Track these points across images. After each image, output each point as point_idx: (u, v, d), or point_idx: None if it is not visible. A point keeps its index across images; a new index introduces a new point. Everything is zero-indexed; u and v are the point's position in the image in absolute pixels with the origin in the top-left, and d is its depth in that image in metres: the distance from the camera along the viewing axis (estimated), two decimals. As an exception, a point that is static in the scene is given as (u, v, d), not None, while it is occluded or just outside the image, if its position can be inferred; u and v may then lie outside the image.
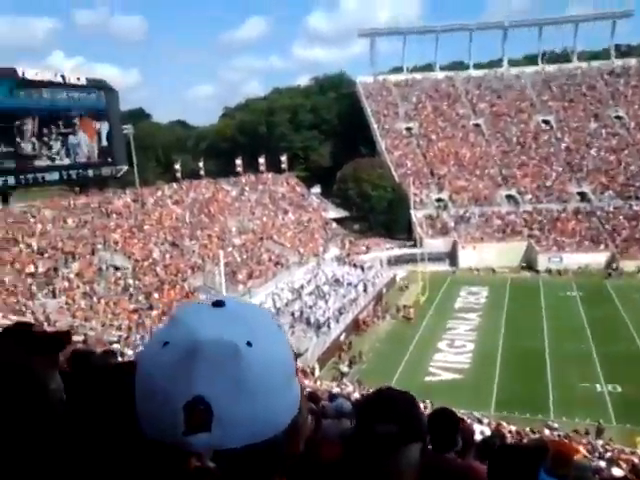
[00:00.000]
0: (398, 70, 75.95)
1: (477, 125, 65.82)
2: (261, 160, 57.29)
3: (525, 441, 10.93)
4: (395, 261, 48.20)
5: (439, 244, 49.47)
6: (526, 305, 37.29)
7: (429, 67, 74.96)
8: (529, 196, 55.08)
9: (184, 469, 0.64)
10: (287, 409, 0.71)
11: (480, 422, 19.46)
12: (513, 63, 75.54)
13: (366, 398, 1.54)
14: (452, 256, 49.38)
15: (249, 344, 0.67)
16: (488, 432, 12.24)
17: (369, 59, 74.68)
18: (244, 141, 75.95)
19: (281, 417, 0.70)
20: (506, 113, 66.35)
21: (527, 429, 18.20)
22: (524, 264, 47.56)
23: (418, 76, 73.52)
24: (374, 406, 1.38)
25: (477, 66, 74.15)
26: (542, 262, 46.38)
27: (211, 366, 0.66)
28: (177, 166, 53.24)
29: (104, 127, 42.34)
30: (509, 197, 55.83)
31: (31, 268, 27.60)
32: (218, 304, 0.74)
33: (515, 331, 32.61)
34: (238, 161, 55.84)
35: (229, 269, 33.43)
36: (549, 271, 45.45)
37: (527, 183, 56.57)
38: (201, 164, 54.68)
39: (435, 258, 46.47)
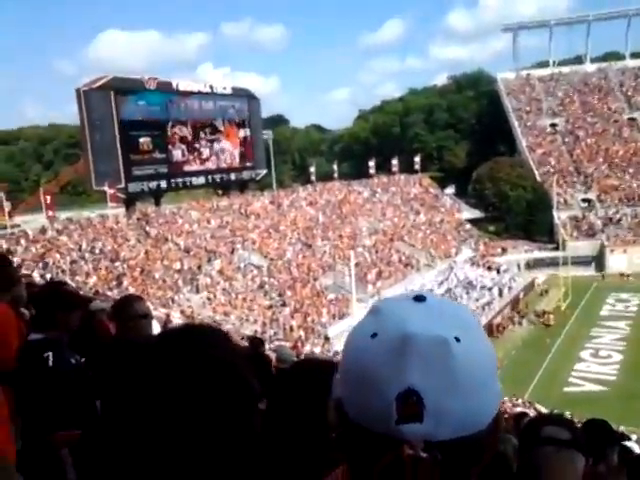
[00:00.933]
0: (543, 64, 71.89)
1: (632, 119, 60.29)
2: (394, 161, 57.26)
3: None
4: (534, 264, 45.64)
5: (584, 247, 45.98)
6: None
7: (578, 60, 70.00)
8: (691, 195, 49.35)
9: (397, 457, 0.66)
10: (492, 404, 0.71)
11: (628, 439, 17.82)
12: (677, 50, 68.24)
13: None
14: (599, 260, 45.66)
15: (457, 339, 0.68)
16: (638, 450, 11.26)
17: (511, 55, 71.55)
18: (378, 143, 76.44)
19: (487, 412, 0.70)
20: (667, 105, 60.06)
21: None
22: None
23: (565, 69, 69.04)
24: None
25: (634, 55, 67.85)
26: None
27: (422, 359, 0.67)
28: (312, 169, 54.93)
29: (246, 133, 45.00)
30: (668, 196, 50.43)
31: (178, 265, 30.06)
32: (419, 299, 0.74)
33: (671, 344, 29.45)
34: (371, 163, 56.29)
35: (359, 269, 33.82)
36: None
37: (688, 181, 50.71)
38: (335, 166, 55.89)
39: (579, 262, 43.30)
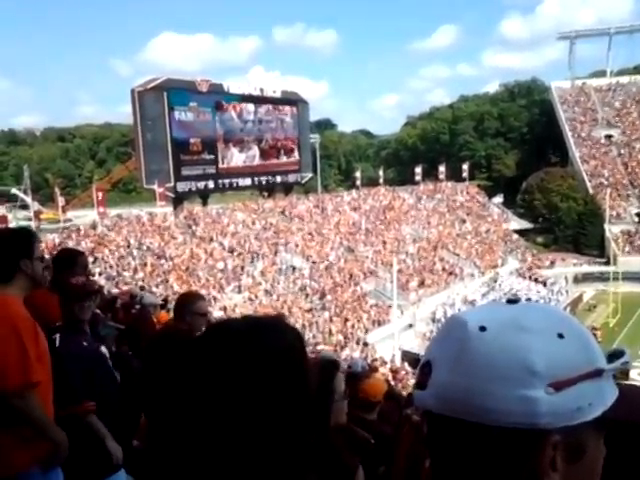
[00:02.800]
0: (600, 74, 69.87)
1: (693, 131, 57.95)
2: (441, 168, 56.59)
3: None
4: (583, 278, 44.28)
5: (636, 262, 44.35)
6: None
7: (637, 69, 67.73)
8: None
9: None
10: (502, 405, 0.66)
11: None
12: None
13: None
14: (652, 277, 44.02)
15: (483, 328, 0.69)
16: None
17: (567, 63, 69.74)
18: (425, 149, 75.90)
19: (491, 407, 0.67)
20: None
21: None
22: None
23: (623, 79, 66.90)
24: None
25: (700, 64, 65.35)
26: None
27: (443, 335, 0.74)
28: (357, 173, 54.86)
29: (294, 136, 45.36)
30: None
31: (221, 264, 30.52)
32: (512, 301, 0.75)
33: None
34: (418, 169, 55.76)
35: (401, 276, 33.57)
36: None
37: None
38: (381, 172, 55.69)
39: (631, 278, 41.72)
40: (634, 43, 66.92)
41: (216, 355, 0.87)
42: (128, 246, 28.87)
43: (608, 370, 0.70)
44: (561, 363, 0.67)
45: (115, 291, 16.17)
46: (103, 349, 3.39)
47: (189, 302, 3.54)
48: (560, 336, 0.69)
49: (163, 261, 28.57)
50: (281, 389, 0.86)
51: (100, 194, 34.26)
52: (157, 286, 25.19)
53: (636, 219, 50.10)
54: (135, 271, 26.57)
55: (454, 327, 0.73)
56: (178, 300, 3.74)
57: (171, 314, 5.88)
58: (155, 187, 33.92)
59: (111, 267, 26.22)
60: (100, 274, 24.00)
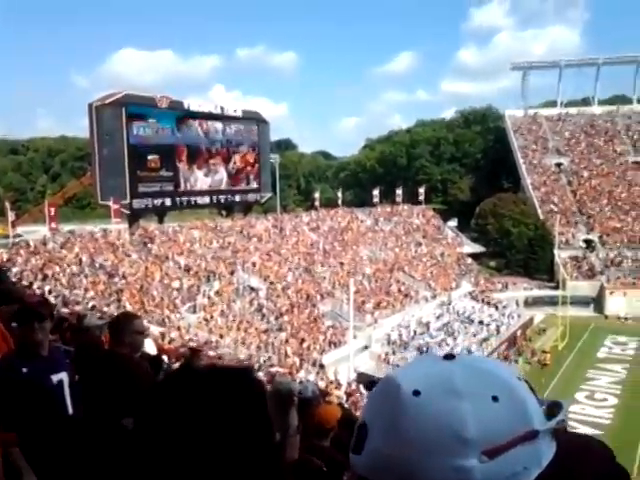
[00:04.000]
0: (551, 104, 72.81)
1: (637, 162, 60.81)
2: (398, 191, 57.52)
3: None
4: (533, 302, 45.53)
5: (584, 287, 45.95)
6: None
7: (586, 101, 70.83)
8: (695, 242, 49.47)
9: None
10: (440, 479, 0.65)
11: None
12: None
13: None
14: (598, 301, 45.64)
15: (416, 393, 0.67)
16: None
17: (519, 93, 72.45)
18: (383, 172, 77.03)
19: (425, 476, 0.65)
20: (672, 151, 60.62)
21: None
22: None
23: (573, 110, 69.86)
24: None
25: (642, 101, 68.88)
26: None
27: (378, 398, 0.72)
28: (316, 194, 55.22)
29: (254, 156, 45.31)
30: (670, 241, 50.55)
31: (177, 284, 30.05)
32: (447, 357, 0.74)
33: (667, 389, 29.23)
34: (375, 192, 56.54)
35: (358, 298, 33.76)
36: None
37: (692, 227, 50.91)
38: (339, 193, 56.20)
39: (578, 302, 43.25)
40: (583, 76, 69.92)
41: (179, 402, 0.89)
42: (80, 263, 28.14)
43: (544, 431, 0.68)
44: (495, 428, 0.65)
45: (65, 311, 15.72)
46: (60, 376, 3.27)
47: (126, 322, 3.53)
48: (494, 399, 0.67)
49: (116, 279, 27.94)
50: (239, 443, 0.89)
51: (52, 209, 33.40)
52: (109, 305, 24.57)
53: (584, 245, 51.94)
54: (86, 290, 25.88)
55: (388, 390, 0.70)
56: (114, 322, 3.73)
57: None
58: (110, 203, 33.27)
59: (62, 285, 25.48)
60: (50, 292, 23.27)
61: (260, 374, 19.68)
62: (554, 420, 0.69)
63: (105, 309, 22.20)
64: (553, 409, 0.71)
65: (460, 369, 0.70)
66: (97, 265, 28.62)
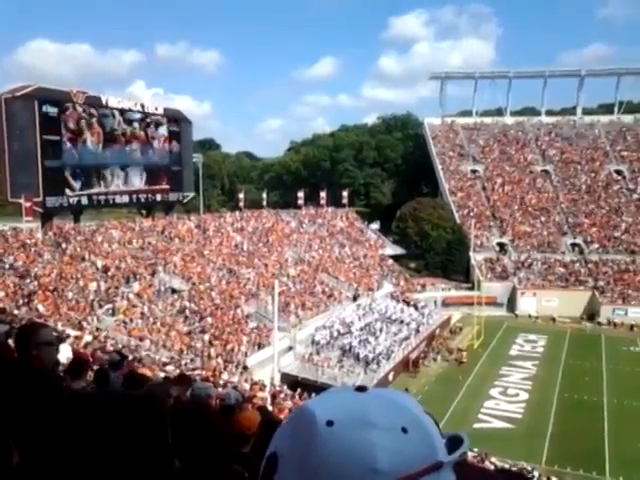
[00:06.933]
0: (467, 113, 76.05)
1: (545, 171, 64.62)
2: (322, 194, 58.17)
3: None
4: (450, 302, 47.34)
5: (498, 288, 48.31)
6: (586, 357, 35.79)
7: (499, 112, 74.51)
8: (596, 245, 53.14)
9: None
10: None
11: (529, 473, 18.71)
12: (587, 111, 74.23)
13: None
14: (510, 302, 48.15)
15: (330, 423, 0.68)
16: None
17: (438, 101, 75.14)
18: (307, 174, 77.62)
19: None
20: (577, 161, 64.94)
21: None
22: (586, 315, 45.88)
23: (487, 120, 73.26)
24: None
25: (549, 113, 73.38)
26: (605, 314, 44.50)
27: (290, 427, 0.72)
28: (241, 195, 54.77)
29: (176, 155, 44.26)
30: (574, 245, 54.07)
31: (94, 285, 28.84)
32: (359, 389, 0.76)
33: (572, 383, 31.30)
34: (300, 194, 56.88)
35: (282, 299, 33.78)
36: (613, 324, 43.56)
37: (594, 232, 54.70)
38: (264, 195, 56.04)
39: (492, 302, 45.48)
40: (496, 87, 73.48)
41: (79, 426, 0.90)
42: (-13, 264, 26.45)
43: (447, 463, 0.70)
44: (404, 459, 0.67)
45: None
46: None
47: (31, 333, 3.23)
48: (404, 430, 0.69)
49: (28, 280, 26.45)
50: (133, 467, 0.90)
51: (-44, 206, 31.18)
52: (19, 308, 23.25)
53: (497, 248, 54.59)
54: (-6, 291, 24.34)
55: (302, 421, 0.71)
56: (18, 333, 3.41)
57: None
58: (22, 201, 31.48)
59: (-34, 287, 23.86)
60: (-48, 294, 21.72)
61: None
62: (457, 452, 0.72)
63: (15, 312, 20.97)
64: (456, 440, 0.73)
65: (372, 401, 0.72)
66: (7, 265, 26.99)
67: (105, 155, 37.74)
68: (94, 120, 36.60)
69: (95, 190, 36.89)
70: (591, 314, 45.66)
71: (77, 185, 35.54)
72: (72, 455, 0.85)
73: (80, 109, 35.46)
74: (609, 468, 22.20)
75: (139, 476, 0.90)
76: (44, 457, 0.90)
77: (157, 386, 3.86)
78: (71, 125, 34.78)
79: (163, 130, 43.03)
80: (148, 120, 41.39)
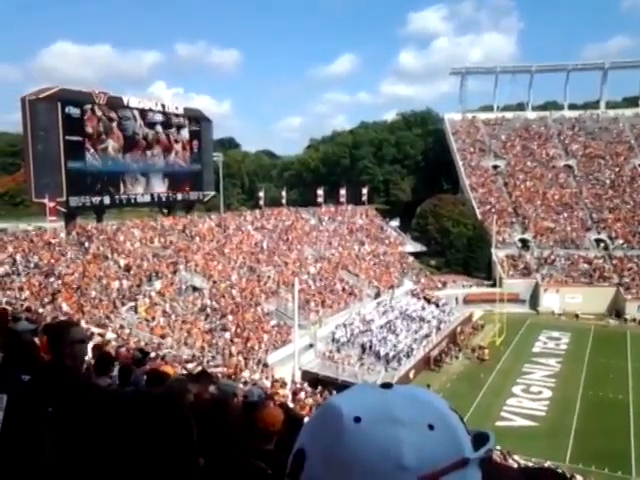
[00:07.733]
0: (488, 108, 75.22)
1: (568, 166, 63.66)
2: (342, 191, 58.11)
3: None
4: (472, 300, 46.94)
5: (520, 285, 47.79)
6: (610, 354, 35.21)
7: (521, 106, 73.64)
8: (620, 241, 52.25)
9: None
10: None
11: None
12: (611, 105, 72.88)
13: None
14: (533, 298, 47.60)
15: (357, 419, 0.69)
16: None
17: (458, 97, 74.48)
18: (327, 172, 77.60)
19: None
20: (600, 155, 63.84)
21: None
22: (610, 312, 45.21)
23: (509, 115, 72.41)
24: None
25: (572, 107, 72.17)
26: (631, 310, 43.76)
27: (316, 424, 0.73)
28: (261, 193, 55.01)
29: (196, 154, 44.63)
30: (598, 241, 53.21)
31: (116, 284, 29.20)
32: (385, 386, 0.77)
33: (597, 381, 30.83)
34: (320, 191, 56.91)
35: (302, 296, 33.83)
36: (638, 321, 42.85)
37: (619, 228, 53.76)
38: (284, 193, 56.17)
39: (515, 299, 45.00)
40: (517, 82, 72.63)
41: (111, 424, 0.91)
42: (14, 263, 26.92)
43: (473, 460, 0.71)
44: (431, 456, 0.67)
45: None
46: None
47: (63, 331, 3.27)
48: (430, 427, 0.69)
49: (52, 279, 26.89)
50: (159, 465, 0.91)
51: (-18, 207, 31.79)
52: (44, 306, 23.64)
53: (519, 244, 53.98)
54: (21, 290, 24.80)
55: (329, 417, 0.71)
56: (49, 332, 3.42)
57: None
58: (45, 201, 32.00)
59: (-7, 286, 24.32)
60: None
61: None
62: (483, 449, 0.72)
63: (40, 310, 21.34)
64: (481, 437, 0.74)
65: (398, 398, 0.72)
66: (32, 265, 27.48)
67: (126, 161, 38.21)
68: (114, 124, 37.03)
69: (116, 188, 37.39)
70: (617, 311, 44.95)
71: (98, 188, 36.03)
72: (102, 451, 0.87)
73: (101, 112, 35.91)
74: (635, 468, 21.84)
75: (164, 472, 0.92)
76: (76, 451, 0.91)
77: (176, 382, 3.91)
78: (92, 129, 35.25)
79: (185, 132, 43.41)
80: (169, 122, 41.76)
